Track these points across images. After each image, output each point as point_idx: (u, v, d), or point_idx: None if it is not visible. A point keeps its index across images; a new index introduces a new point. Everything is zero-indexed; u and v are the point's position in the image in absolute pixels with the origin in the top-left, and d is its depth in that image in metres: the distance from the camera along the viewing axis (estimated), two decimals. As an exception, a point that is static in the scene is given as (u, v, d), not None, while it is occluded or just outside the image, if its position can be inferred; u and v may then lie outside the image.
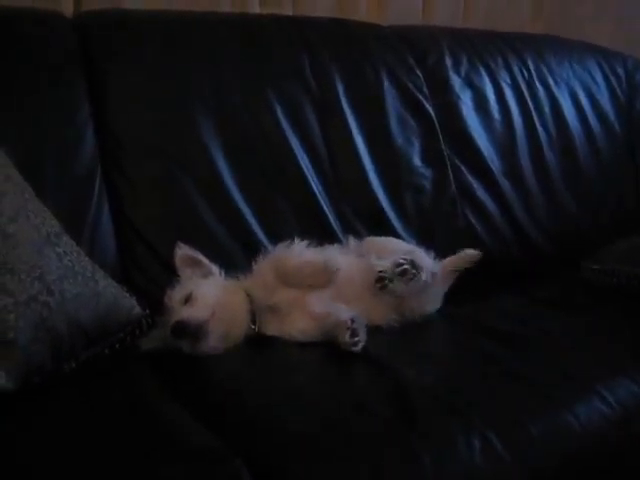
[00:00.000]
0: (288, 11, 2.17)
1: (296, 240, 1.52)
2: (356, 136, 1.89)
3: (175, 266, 1.48)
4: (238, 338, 1.42)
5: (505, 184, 2.09)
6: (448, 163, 2.02)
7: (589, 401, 1.23)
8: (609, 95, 2.44)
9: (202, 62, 1.73)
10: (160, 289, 1.46)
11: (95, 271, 1.33)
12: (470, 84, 2.12)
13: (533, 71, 2.27)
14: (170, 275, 1.49)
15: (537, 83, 2.26)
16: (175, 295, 1.41)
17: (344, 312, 1.38)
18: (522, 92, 2.22)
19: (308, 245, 1.52)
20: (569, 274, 1.94)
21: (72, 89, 1.59)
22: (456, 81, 2.10)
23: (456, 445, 1.08)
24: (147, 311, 1.41)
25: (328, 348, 1.37)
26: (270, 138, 1.76)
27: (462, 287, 1.68)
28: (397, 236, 1.84)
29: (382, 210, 1.87)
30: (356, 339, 1.33)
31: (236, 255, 1.63)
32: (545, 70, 2.30)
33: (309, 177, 1.78)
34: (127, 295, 1.38)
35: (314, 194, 1.78)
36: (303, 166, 1.78)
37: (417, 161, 1.97)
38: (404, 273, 1.45)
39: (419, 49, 2.10)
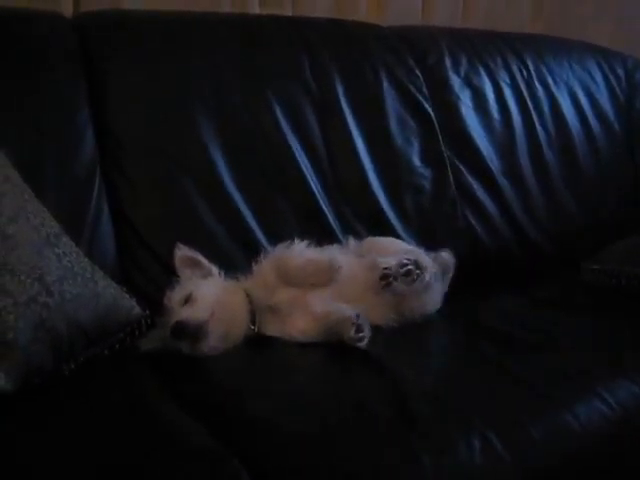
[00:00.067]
0: (288, 11, 2.17)
1: (296, 240, 1.52)
2: (356, 136, 1.89)
3: (175, 267, 1.48)
4: (238, 338, 1.42)
5: (505, 184, 2.09)
6: (448, 163, 2.02)
7: (589, 401, 1.22)
8: (608, 95, 2.44)
9: (202, 62, 1.73)
10: (160, 290, 1.46)
11: (95, 272, 1.33)
12: (469, 84, 2.12)
13: (532, 71, 2.27)
14: (169, 276, 1.48)
15: (536, 83, 2.26)
16: (174, 296, 1.41)
17: (346, 309, 1.38)
18: (521, 92, 2.22)
19: (308, 245, 1.52)
20: (569, 274, 1.94)
21: (72, 89, 1.59)
22: (455, 81, 2.10)
23: (456, 445, 1.08)
24: (147, 312, 1.41)
25: (328, 348, 1.37)
26: (270, 138, 1.76)
27: (462, 287, 1.68)
28: (397, 236, 1.84)
29: (382, 210, 1.87)
30: (361, 334, 1.34)
31: (236, 255, 1.63)
32: (544, 70, 2.31)
33: (309, 177, 1.78)
34: (127, 296, 1.38)
35: (314, 194, 1.78)
36: (303, 166, 1.78)
37: (417, 161, 1.97)
38: (408, 273, 1.45)
39: (419, 49, 2.10)
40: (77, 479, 0.96)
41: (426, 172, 1.97)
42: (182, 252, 1.49)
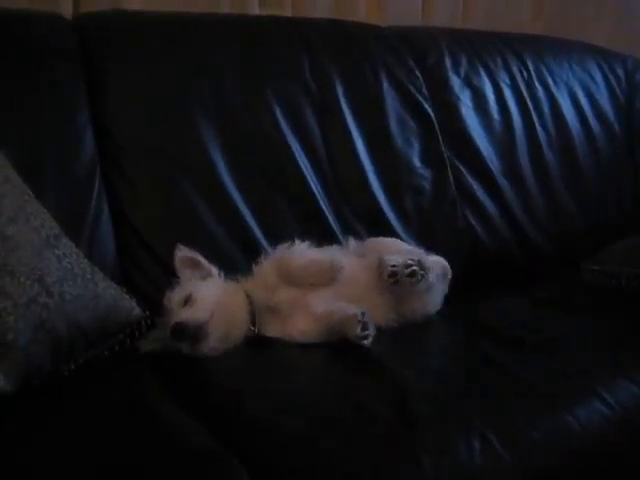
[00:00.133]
0: (287, 12, 2.17)
1: (297, 241, 1.52)
2: (356, 137, 1.89)
3: (174, 267, 1.48)
4: (238, 339, 1.42)
5: (505, 184, 2.09)
6: (448, 164, 2.02)
7: (589, 402, 1.23)
8: (608, 95, 2.44)
9: (202, 63, 1.73)
10: (160, 290, 1.46)
11: (94, 273, 1.33)
12: (470, 84, 2.12)
13: (532, 71, 2.27)
14: (169, 276, 1.48)
15: (536, 83, 2.26)
16: (174, 297, 1.41)
17: (350, 308, 1.38)
18: (521, 92, 2.22)
19: (309, 246, 1.52)
20: (569, 275, 1.94)
21: (72, 90, 1.59)
22: (455, 82, 2.10)
23: (456, 446, 1.08)
24: (147, 312, 1.41)
25: (328, 349, 1.38)
26: (270, 139, 1.76)
27: (462, 287, 1.68)
28: (397, 237, 1.84)
29: (382, 211, 1.87)
30: (367, 332, 1.34)
31: (235, 256, 1.63)
32: (544, 70, 2.31)
33: (309, 178, 1.78)
34: (127, 297, 1.38)
35: (314, 195, 1.78)
36: (303, 167, 1.78)
37: (417, 162, 1.97)
38: (413, 274, 1.45)
39: (419, 50, 2.10)
40: (77, 479, 0.96)
41: (426, 172, 1.97)
42: (182, 253, 1.49)
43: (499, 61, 2.22)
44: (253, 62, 1.80)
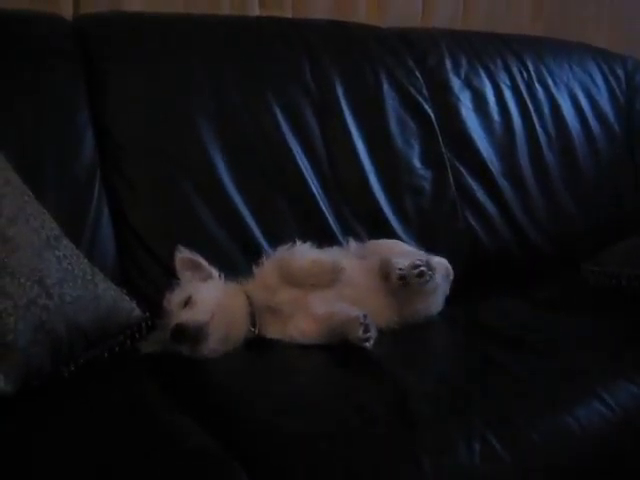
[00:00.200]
0: (287, 13, 2.16)
1: (297, 242, 1.52)
2: (356, 138, 1.89)
3: (175, 269, 1.48)
4: (238, 341, 1.42)
5: (505, 185, 2.10)
6: (448, 164, 2.02)
7: (589, 403, 1.22)
8: (609, 96, 2.44)
9: (202, 64, 1.73)
10: (160, 291, 1.46)
11: (95, 274, 1.33)
12: (470, 86, 2.12)
13: (533, 72, 2.27)
14: (169, 277, 1.49)
15: (537, 84, 2.26)
16: (174, 298, 1.41)
17: (351, 310, 1.38)
18: (522, 93, 2.22)
19: (310, 247, 1.52)
20: (569, 275, 1.94)
21: (72, 90, 1.59)
22: (456, 83, 2.10)
23: (456, 447, 1.08)
24: (147, 314, 1.41)
25: (329, 350, 1.38)
26: (270, 139, 1.76)
27: (462, 288, 1.68)
28: (397, 237, 1.84)
29: (382, 211, 1.87)
30: (368, 334, 1.33)
31: (235, 256, 1.63)
32: (545, 71, 2.31)
33: (308, 179, 1.78)
34: (127, 298, 1.38)
35: (313, 195, 1.78)
36: (303, 167, 1.78)
37: (417, 163, 1.97)
38: (422, 274, 1.45)
39: (419, 51, 2.10)
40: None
41: (426, 173, 1.98)
42: (182, 254, 1.49)
43: (499, 62, 2.22)
44: (253, 63, 1.80)
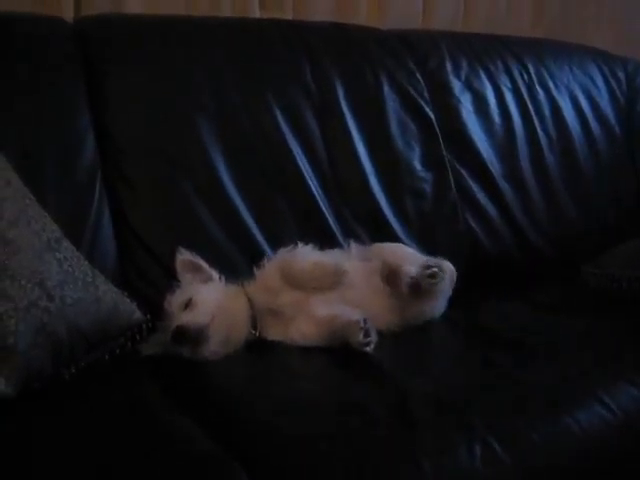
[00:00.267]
0: (288, 15, 2.16)
1: (299, 244, 1.52)
2: (356, 139, 1.89)
3: (175, 271, 1.48)
4: (238, 343, 1.42)
5: (505, 187, 2.09)
6: (448, 166, 2.02)
7: (590, 405, 1.22)
8: (609, 98, 2.44)
9: (202, 65, 1.73)
10: (160, 293, 1.46)
11: (95, 276, 1.33)
12: (470, 88, 2.12)
13: (533, 74, 2.27)
14: (170, 279, 1.49)
15: (537, 86, 2.26)
16: (175, 300, 1.41)
17: (353, 313, 1.38)
18: (522, 95, 2.21)
19: (311, 249, 1.52)
20: (570, 278, 1.94)
21: (72, 92, 1.59)
22: (456, 85, 2.10)
23: (457, 449, 1.08)
24: (147, 316, 1.41)
25: (329, 353, 1.38)
26: (270, 141, 1.76)
27: (462, 290, 1.68)
28: (397, 239, 1.84)
29: (382, 213, 1.87)
30: (369, 339, 1.33)
31: (235, 257, 1.63)
32: (545, 73, 2.30)
33: (309, 180, 1.78)
34: (127, 300, 1.38)
35: (314, 197, 1.78)
36: (303, 169, 1.78)
37: (417, 165, 1.97)
38: (434, 276, 1.46)
39: (419, 53, 2.10)
40: (77, 481, 0.97)
41: (427, 175, 1.97)
42: (183, 256, 1.49)
43: (500, 64, 2.21)
44: (253, 63, 1.80)
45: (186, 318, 1.35)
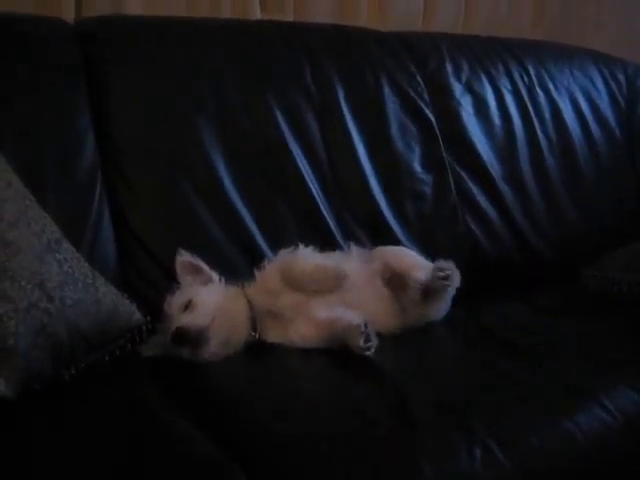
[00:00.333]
0: (289, 17, 2.17)
1: (300, 246, 1.52)
2: (356, 141, 1.89)
3: (175, 272, 1.48)
4: (238, 345, 1.42)
5: (505, 189, 2.09)
6: (448, 168, 2.02)
7: (590, 409, 1.22)
8: (609, 101, 2.44)
9: (202, 65, 1.73)
10: (160, 294, 1.46)
11: (95, 277, 1.33)
12: (470, 90, 2.12)
13: (534, 77, 2.27)
14: (170, 280, 1.49)
15: (537, 89, 2.26)
16: (175, 302, 1.41)
17: (354, 316, 1.38)
18: (522, 98, 2.22)
19: (312, 251, 1.52)
20: (570, 281, 1.94)
21: (73, 92, 1.59)
22: (457, 87, 2.10)
23: (457, 452, 1.08)
24: (147, 317, 1.41)
25: (329, 354, 1.37)
26: (270, 142, 1.76)
27: (462, 293, 1.67)
28: (397, 241, 1.84)
29: (382, 215, 1.87)
30: (369, 344, 1.33)
31: (235, 259, 1.63)
32: (545, 76, 2.31)
33: (309, 182, 1.78)
34: (127, 301, 1.38)
35: (314, 199, 1.78)
36: (303, 170, 1.78)
37: (417, 167, 1.97)
38: (447, 277, 1.46)
39: (420, 55, 2.10)
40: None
41: (427, 177, 1.98)
42: (183, 258, 1.49)
43: (500, 67, 2.22)
44: (254, 67, 1.80)
45: (186, 320, 1.35)
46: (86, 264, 1.34)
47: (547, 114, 2.25)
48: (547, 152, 2.21)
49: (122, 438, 1.08)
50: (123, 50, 1.67)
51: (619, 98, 2.47)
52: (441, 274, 1.47)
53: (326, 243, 1.66)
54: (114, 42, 1.68)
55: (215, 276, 1.49)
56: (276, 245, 1.61)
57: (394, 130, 1.96)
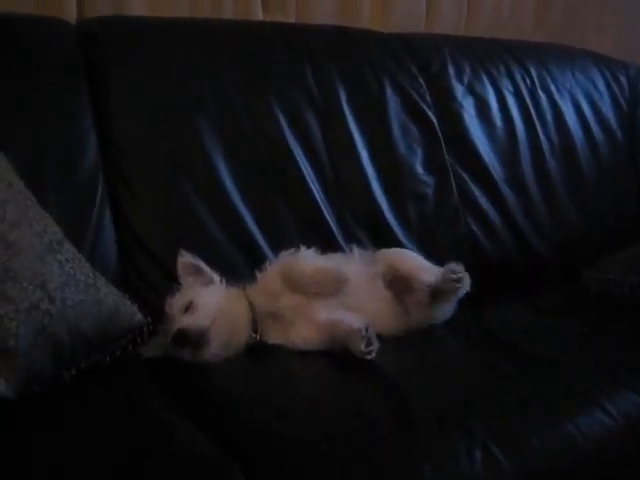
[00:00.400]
0: (291, 18, 2.17)
1: (302, 247, 1.52)
2: (358, 143, 1.89)
3: (177, 273, 1.48)
4: (239, 346, 1.41)
5: (507, 192, 2.09)
6: (450, 171, 2.02)
7: (591, 411, 1.22)
8: (611, 103, 2.44)
9: (203, 65, 1.74)
10: (161, 295, 1.46)
11: (96, 278, 1.33)
12: (472, 92, 2.12)
13: (535, 79, 2.27)
14: (171, 282, 1.48)
15: (539, 91, 2.26)
16: (176, 303, 1.41)
17: (355, 320, 1.37)
18: (524, 100, 2.22)
19: (314, 253, 1.52)
20: (571, 283, 1.94)
21: (75, 93, 1.59)
22: (459, 89, 2.10)
23: (457, 455, 1.07)
24: (148, 318, 1.41)
25: (330, 357, 1.37)
26: (271, 143, 1.76)
27: (463, 295, 1.67)
28: (398, 243, 1.84)
29: (383, 217, 1.87)
30: (370, 348, 1.33)
31: (236, 260, 1.63)
32: (547, 78, 2.31)
33: (310, 182, 1.78)
34: (128, 302, 1.38)
35: (315, 200, 1.78)
36: (304, 171, 1.78)
37: (419, 168, 1.97)
38: (460, 280, 1.46)
39: (422, 57, 2.10)
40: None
41: (428, 179, 1.97)
42: (185, 259, 1.49)
43: (502, 69, 2.22)
44: (255, 69, 1.80)
45: (187, 321, 1.35)
46: (87, 265, 1.34)
47: (549, 116, 2.25)
48: (548, 154, 2.21)
49: (122, 438, 1.08)
50: (124, 50, 1.68)
51: (621, 100, 2.47)
52: (453, 276, 1.47)
53: (327, 244, 1.66)
54: (115, 42, 1.68)
55: (216, 277, 1.49)
56: (276, 245, 1.62)
57: (396, 131, 1.96)
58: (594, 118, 2.36)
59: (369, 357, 1.33)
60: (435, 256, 1.65)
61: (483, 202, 2.04)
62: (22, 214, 1.24)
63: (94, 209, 1.54)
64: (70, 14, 1.81)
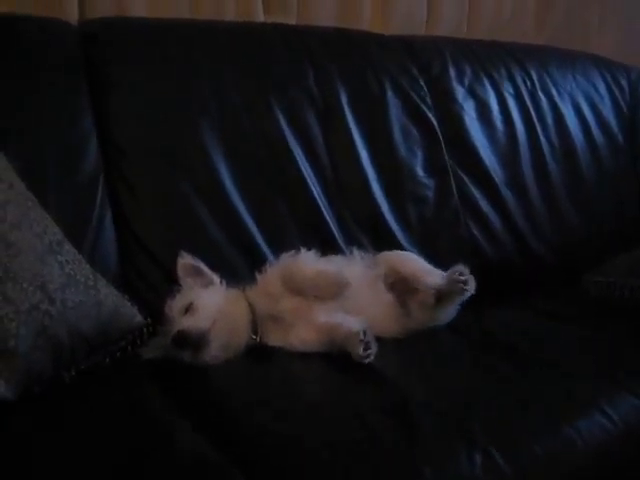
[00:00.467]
0: (292, 20, 2.17)
1: (302, 249, 1.52)
2: (359, 144, 1.89)
3: (177, 275, 1.48)
4: (239, 348, 1.41)
5: (507, 194, 2.10)
6: (450, 173, 2.03)
7: (591, 415, 1.21)
8: (612, 106, 2.44)
9: (203, 66, 1.74)
10: (161, 297, 1.46)
11: (97, 279, 1.33)
12: (473, 94, 2.12)
13: (536, 82, 2.28)
14: (171, 283, 1.48)
15: (540, 94, 2.27)
16: (176, 304, 1.41)
17: (354, 323, 1.37)
18: (525, 103, 2.22)
19: (314, 255, 1.52)
20: (571, 286, 1.94)
21: (76, 93, 1.59)
22: (459, 91, 2.10)
23: (457, 458, 1.07)
24: (148, 320, 1.41)
25: (329, 359, 1.37)
26: (272, 145, 1.76)
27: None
28: (399, 245, 1.84)
29: (384, 219, 1.87)
30: (368, 352, 1.32)
31: (236, 261, 1.63)
32: (548, 81, 2.31)
33: (310, 184, 1.78)
34: (128, 303, 1.39)
35: (316, 202, 1.78)
36: (305, 173, 1.79)
37: (420, 171, 1.97)
38: (466, 282, 1.47)
39: (423, 59, 2.10)
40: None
41: (429, 182, 1.98)
42: (185, 260, 1.49)
43: (503, 71, 2.22)
44: (256, 70, 1.80)
45: (187, 323, 1.35)
46: (87, 266, 1.34)
47: (549, 119, 2.26)
48: (549, 157, 2.21)
49: (122, 439, 1.08)
50: (124, 50, 1.68)
51: (621, 103, 2.47)
52: (461, 278, 1.47)
53: (327, 245, 1.66)
54: (115, 43, 1.68)
55: (216, 279, 1.49)
56: (276, 247, 1.62)
57: (396, 133, 1.96)
58: (595, 121, 2.36)
59: (367, 361, 1.32)
60: (435, 258, 1.65)
61: (483, 204, 2.04)
62: (23, 215, 1.24)
63: (94, 209, 1.54)
64: (72, 15, 1.81)
